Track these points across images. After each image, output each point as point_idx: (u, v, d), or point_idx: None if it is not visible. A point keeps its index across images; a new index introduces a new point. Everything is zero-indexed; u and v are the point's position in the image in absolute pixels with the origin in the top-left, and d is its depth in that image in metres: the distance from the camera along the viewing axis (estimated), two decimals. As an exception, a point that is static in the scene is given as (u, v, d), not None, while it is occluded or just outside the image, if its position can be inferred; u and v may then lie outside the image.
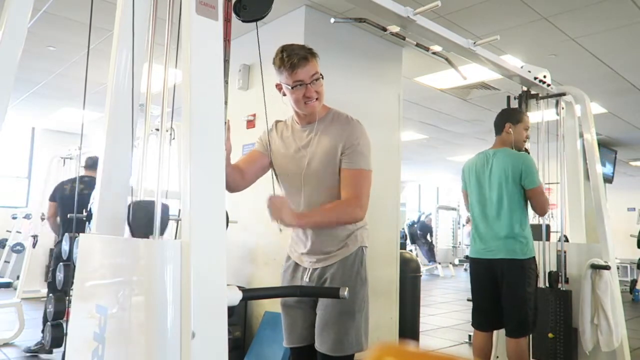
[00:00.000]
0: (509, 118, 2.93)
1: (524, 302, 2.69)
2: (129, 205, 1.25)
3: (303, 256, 1.84)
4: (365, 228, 1.85)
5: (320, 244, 1.78)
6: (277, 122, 1.95)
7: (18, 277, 5.27)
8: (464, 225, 13.50)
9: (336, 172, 1.75)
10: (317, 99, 1.74)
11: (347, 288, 1.35)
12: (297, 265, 1.88)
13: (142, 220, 1.20)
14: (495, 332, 3.09)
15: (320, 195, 1.77)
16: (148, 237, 1.17)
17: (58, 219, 4.13)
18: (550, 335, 3.06)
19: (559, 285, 3.12)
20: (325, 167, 1.75)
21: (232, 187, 1.80)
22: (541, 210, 2.81)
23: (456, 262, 12.92)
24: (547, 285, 3.13)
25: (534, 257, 2.78)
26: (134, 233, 1.23)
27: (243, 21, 1.66)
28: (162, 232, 1.17)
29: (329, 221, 1.73)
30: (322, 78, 1.75)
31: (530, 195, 2.76)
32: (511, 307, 2.72)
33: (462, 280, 10.67)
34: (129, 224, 1.23)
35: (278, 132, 1.91)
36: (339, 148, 1.74)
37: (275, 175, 1.91)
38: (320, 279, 1.78)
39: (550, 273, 3.13)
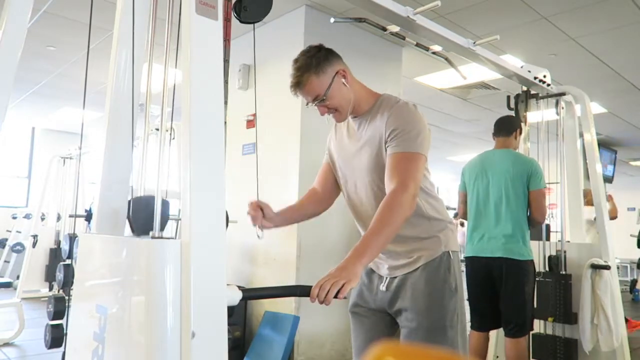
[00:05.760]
0: (519, 125, 3.00)
1: (523, 303, 2.69)
2: (129, 201, 1.25)
3: (380, 261, 1.64)
4: (450, 229, 1.63)
5: (395, 253, 1.60)
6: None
7: (18, 277, 5.27)
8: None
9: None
10: (336, 109, 1.59)
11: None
12: (372, 270, 1.69)
13: (143, 216, 1.20)
14: (494, 331, 3.08)
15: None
16: (148, 234, 1.17)
17: None
18: (550, 319, 3.06)
19: (560, 270, 3.11)
20: (376, 169, 1.56)
21: (318, 213, 1.72)
22: (540, 214, 2.76)
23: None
24: (548, 269, 3.13)
25: (532, 260, 2.78)
26: (135, 229, 1.22)
27: (242, 22, 1.65)
28: (162, 229, 1.17)
29: (389, 234, 1.36)
30: (325, 98, 1.56)
31: (532, 196, 2.74)
32: (510, 308, 2.71)
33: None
34: (129, 220, 1.23)
35: (337, 135, 1.74)
36: (382, 140, 1.53)
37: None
38: (401, 289, 1.57)
39: (550, 257, 3.12)
